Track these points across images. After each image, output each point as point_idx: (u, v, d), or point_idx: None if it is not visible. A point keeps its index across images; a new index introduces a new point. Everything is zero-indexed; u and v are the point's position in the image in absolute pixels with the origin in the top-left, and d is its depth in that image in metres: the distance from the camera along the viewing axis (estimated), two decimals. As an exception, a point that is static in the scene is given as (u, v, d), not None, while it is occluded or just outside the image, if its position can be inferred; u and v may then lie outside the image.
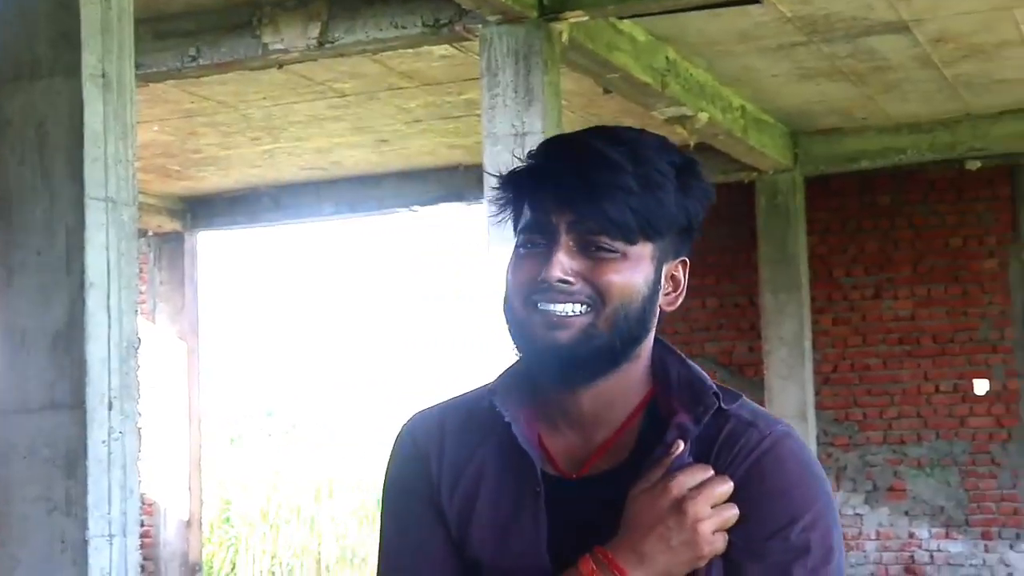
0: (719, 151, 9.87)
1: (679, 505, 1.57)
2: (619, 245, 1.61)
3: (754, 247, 10.75)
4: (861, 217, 10.94)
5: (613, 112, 9.37)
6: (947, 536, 10.57)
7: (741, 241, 11.03)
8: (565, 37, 6.64)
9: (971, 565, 10.49)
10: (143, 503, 11.08)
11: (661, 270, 1.67)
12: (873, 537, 10.74)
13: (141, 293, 11.90)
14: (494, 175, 1.71)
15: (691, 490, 1.59)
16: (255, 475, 16.40)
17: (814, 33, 7.81)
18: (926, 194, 10.79)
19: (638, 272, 1.63)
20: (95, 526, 4.32)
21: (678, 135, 8.85)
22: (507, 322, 1.66)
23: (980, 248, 10.64)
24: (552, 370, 1.63)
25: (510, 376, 1.73)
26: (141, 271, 11.87)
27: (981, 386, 10.55)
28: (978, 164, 10.49)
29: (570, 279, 1.59)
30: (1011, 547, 10.41)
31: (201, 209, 12.18)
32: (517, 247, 1.67)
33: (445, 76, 8.37)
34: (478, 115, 7.73)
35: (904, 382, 10.77)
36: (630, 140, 1.64)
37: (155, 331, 12.08)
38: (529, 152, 1.70)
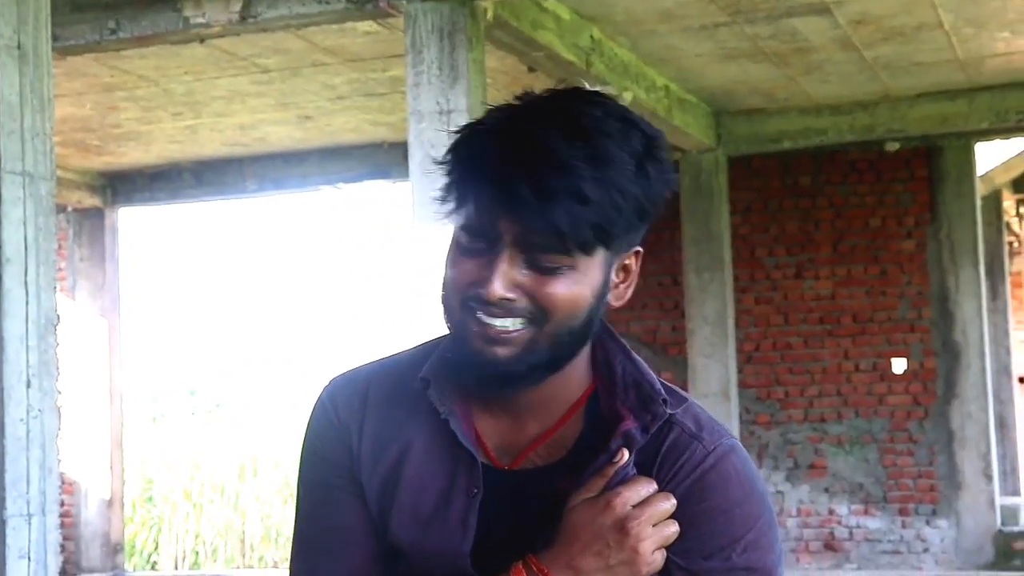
0: (643, 130, 9.90)
1: (622, 524, 1.50)
2: (566, 259, 1.48)
3: (677, 226, 10.82)
4: (783, 197, 11.04)
5: (538, 90, 9.36)
6: (866, 512, 10.73)
7: (664, 220, 11.02)
8: (490, 14, 6.63)
9: (889, 541, 10.66)
10: (63, 482, 10.95)
11: (611, 269, 1.54)
12: (794, 514, 10.88)
13: (60, 270, 11.74)
14: (443, 159, 1.55)
15: (634, 508, 1.51)
16: (178, 454, 16.26)
17: (737, 13, 7.86)
18: (846, 175, 10.91)
19: (586, 282, 1.51)
20: (13, 505, 4.26)
21: (603, 114, 8.87)
22: (443, 312, 1.56)
23: (899, 229, 10.78)
24: (488, 383, 1.53)
25: (441, 361, 1.60)
26: (60, 247, 11.71)
27: (899, 365, 10.70)
28: (897, 146, 10.62)
29: (511, 296, 1.48)
30: (927, 523, 10.59)
31: (122, 185, 12.03)
32: (458, 240, 1.54)
33: (369, 53, 8.33)
34: (403, 92, 7.71)
35: (824, 360, 10.89)
36: (590, 132, 1.48)
37: (75, 308, 11.93)
38: (475, 127, 1.54)
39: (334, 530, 1.61)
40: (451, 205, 1.52)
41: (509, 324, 1.49)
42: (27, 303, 4.34)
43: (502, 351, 1.49)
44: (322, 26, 7.28)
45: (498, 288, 1.47)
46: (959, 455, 10.54)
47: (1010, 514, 11.05)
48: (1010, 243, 13.52)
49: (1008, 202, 13.51)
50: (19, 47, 4.37)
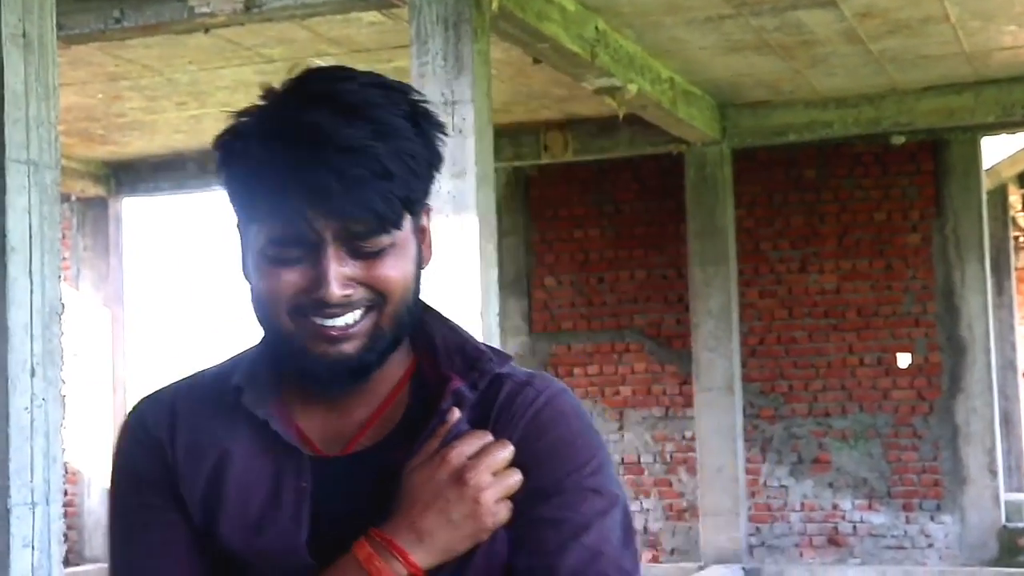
0: (648, 123, 9.91)
1: (459, 476, 1.46)
2: (388, 239, 1.46)
3: (682, 219, 10.82)
4: (787, 191, 11.04)
5: (543, 82, 9.38)
6: (870, 507, 10.73)
7: (669, 213, 11.10)
8: (495, 5, 6.63)
9: (893, 536, 10.66)
10: (67, 472, 10.97)
11: (417, 233, 1.53)
12: (798, 508, 10.88)
13: (64, 259, 11.71)
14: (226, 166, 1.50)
15: (470, 459, 1.48)
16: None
17: (742, 6, 7.85)
18: (851, 168, 10.90)
19: (408, 255, 1.51)
20: (17, 494, 4.28)
21: (607, 106, 8.88)
22: (263, 326, 1.51)
23: (904, 222, 10.78)
24: (339, 381, 1.50)
25: (251, 363, 1.57)
26: (64, 236, 11.69)
27: (904, 359, 10.70)
28: (903, 139, 10.62)
29: (349, 292, 1.45)
30: (931, 518, 10.59)
31: (126, 174, 12.04)
32: (263, 254, 1.47)
33: (374, 43, 8.33)
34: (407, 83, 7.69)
35: (829, 355, 10.89)
36: (361, 107, 1.44)
37: (79, 298, 11.95)
38: (237, 141, 1.48)
39: (157, 549, 1.54)
40: (248, 223, 1.49)
41: (350, 319, 1.47)
42: (31, 292, 4.35)
43: (349, 347, 1.47)
44: (326, 16, 7.29)
45: (336, 289, 1.44)
46: (964, 450, 10.54)
47: (1015, 510, 11.05)
48: (1016, 237, 13.50)
49: (1014, 196, 13.49)
50: (24, 36, 4.38)
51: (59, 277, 4.54)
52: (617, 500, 1.53)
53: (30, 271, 4.36)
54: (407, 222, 1.49)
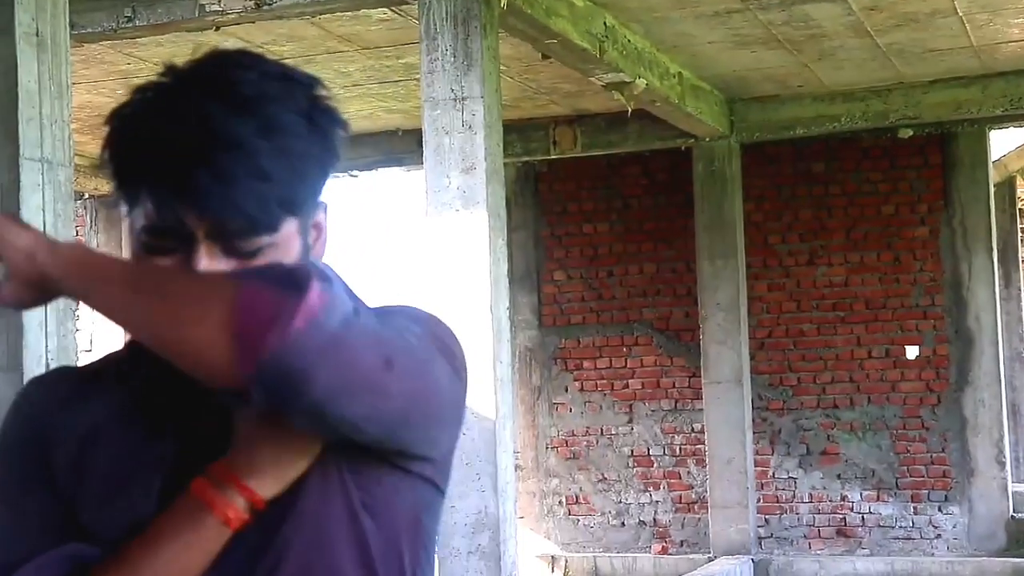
0: (656, 118, 9.90)
1: None
2: (264, 238, 1.41)
3: (691, 213, 10.81)
4: (796, 184, 11.02)
5: (552, 77, 9.38)
6: (878, 499, 10.72)
7: (678, 207, 11.09)
8: (504, 2, 6.63)
9: (901, 527, 10.65)
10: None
11: (307, 233, 1.49)
12: (806, 500, 10.88)
13: (77, 257, 11.77)
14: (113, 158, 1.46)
15: None
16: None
17: (750, 0, 7.84)
18: (859, 162, 10.89)
19: (289, 254, 1.45)
20: (32, 488, 4.29)
21: (616, 101, 8.88)
22: None
23: (912, 215, 10.76)
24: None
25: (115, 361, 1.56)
26: (78, 234, 11.74)
27: (912, 351, 10.69)
28: (910, 132, 10.60)
29: None
30: (939, 509, 10.59)
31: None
32: (139, 239, 1.45)
33: (384, 40, 8.33)
34: (417, 79, 7.71)
35: (837, 347, 10.88)
36: (254, 100, 1.39)
37: (91, 295, 11.96)
38: (126, 113, 1.44)
39: (20, 517, 1.48)
40: (123, 204, 1.45)
41: None
42: (46, 289, 4.36)
43: None
44: (336, 13, 7.29)
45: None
46: (971, 442, 10.53)
47: (1022, 500, 11.04)
48: (1023, 230, 13.49)
49: (1022, 189, 13.48)
50: (38, 35, 4.38)
51: (73, 274, 4.54)
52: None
53: (44, 268, 4.37)
54: (288, 223, 1.43)
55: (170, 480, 1.43)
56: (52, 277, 1.39)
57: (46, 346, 4.35)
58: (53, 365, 4.37)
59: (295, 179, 1.42)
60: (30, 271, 1.39)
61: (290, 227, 1.44)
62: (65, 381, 1.57)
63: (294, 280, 1.30)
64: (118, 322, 1.37)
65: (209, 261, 1.41)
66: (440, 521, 1.60)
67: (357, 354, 1.31)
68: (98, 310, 1.38)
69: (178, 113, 1.40)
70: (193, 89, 1.42)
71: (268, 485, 1.40)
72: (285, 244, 1.44)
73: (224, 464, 1.40)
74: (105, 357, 1.60)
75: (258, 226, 1.40)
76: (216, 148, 1.37)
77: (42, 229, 4.37)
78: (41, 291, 1.41)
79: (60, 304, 4.42)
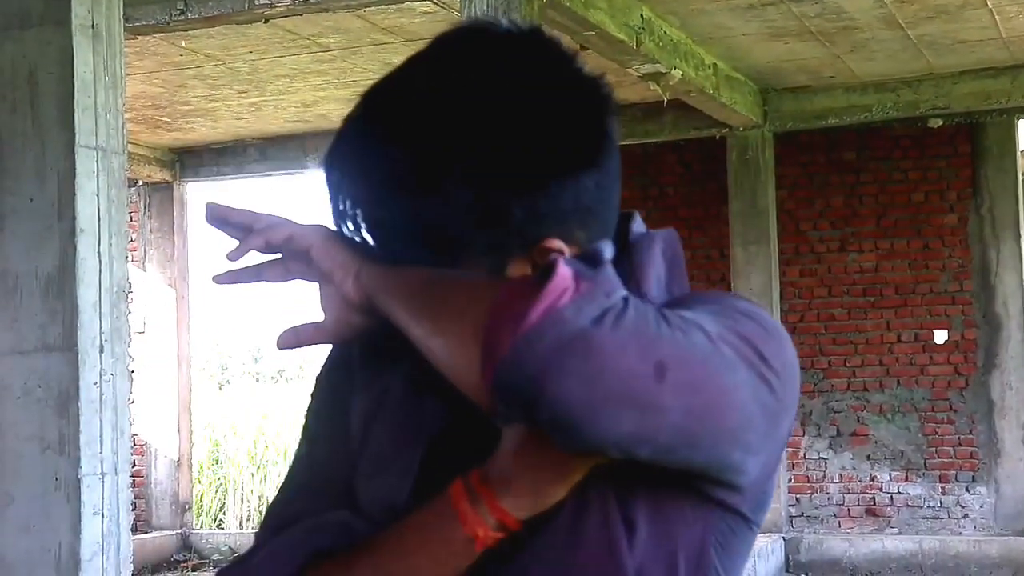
0: (692, 108, 9.85)
1: None
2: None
3: (724, 201, 10.75)
4: (828, 173, 10.95)
5: (589, 68, 9.33)
6: (907, 479, 10.65)
7: (712, 195, 11.03)
8: (544, -6, 6.60)
9: (929, 507, 10.58)
10: (134, 444, 11.09)
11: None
12: (836, 480, 10.82)
13: (132, 241, 11.84)
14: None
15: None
16: (243, 418, 16.41)
17: (785, -7, 7.78)
18: (890, 151, 10.80)
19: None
20: (87, 464, 4.31)
21: (652, 91, 8.83)
22: None
23: (941, 203, 10.66)
24: None
25: None
26: (132, 219, 11.80)
27: (941, 336, 10.60)
28: (940, 122, 10.50)
29: None
30: (967, 489, 10.50)
31: (190, 160, 12.11)
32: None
33: (427, 32, 8.31)
34: (459, 70, 7.68)
35: (867, 332, 10.81)
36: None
37: (146, 278, 12.04)
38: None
39: (318, 466, 1.35)
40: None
41: None
42: (100, 272, 4.38)
43: None
44: (381, 6, 7.28)
45: None
46: (998, 424, 10.44)
47: (1048, 482, 10.94)
48: (1051, 218, 13.34)
49: (1049, 178, 13.33)
50: (93, 27, 4.40)
51: (126, 258, 4.57)
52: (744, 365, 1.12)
53: (99, 252, 4.39)
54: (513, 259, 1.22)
55: (430, 468, 1.24)
56: (368, 290, 1.21)
57: (100, 327, 4.36)
58: (107, 346, 4.38)
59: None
60: (354, 290, 1.23)
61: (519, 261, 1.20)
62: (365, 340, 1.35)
63: (548, 267, 1.07)
64: (412, 340, 1.17)
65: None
66: (743, 558, 1.28)
67: (615, 358, 1.04)
68: (399, 327, 1.19)
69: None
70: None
71: (524, 506, 1.16)
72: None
73: (481, 475, 1.17)
74: None
75: None
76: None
77: (96, 214, 4.40)
78: (361, 312, 1.23)
79: (114, 285, 4.44)
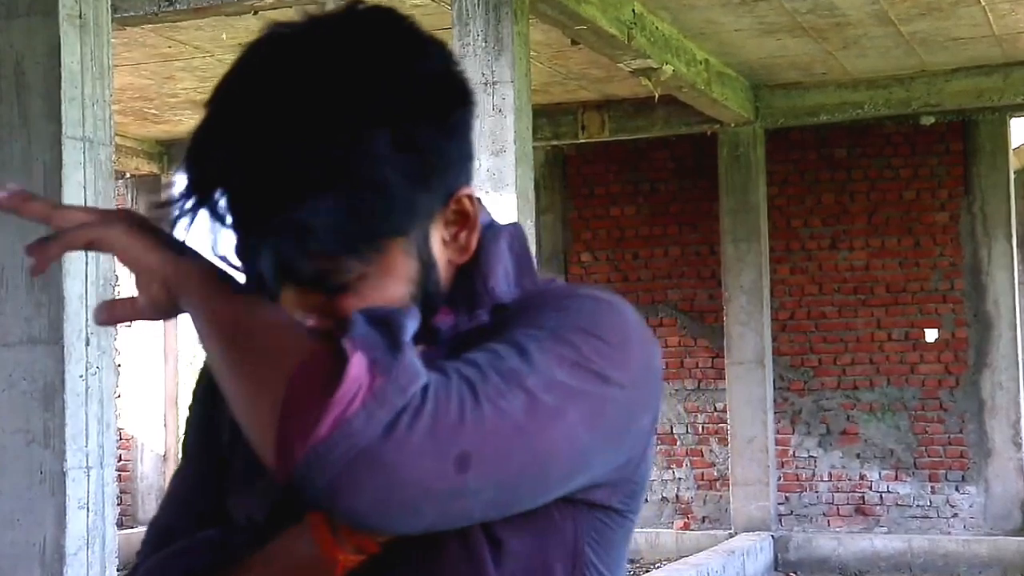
0: (683, 103, 9.86)
1: None
2: (345, 275, 1.14)
3: (715, 197, 10.76)
4: (819, 169, 10.96)
5: (581, 63, 9.34)
6: (896, 478, 10.67)
7: (703, 191, 11.04)
8: (535, -12, 6.60)
9: (918, 506, 10.60)
10: (120, 438, 11.07)
11: (428, 237, 1.18)
12: (826, 478, 10.84)
13: (118, 234, 11.82)
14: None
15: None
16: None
17: (777, -11, 7.79)
18: (882, 148, 10.82)
19: (392, 280, 1.16)
20: (72, 458, 4.31)
21: (644, 87, 8.83)
22: None
23: (932, 201, 10.68)
24: None
25: None
26: (119, 213, 11.79)
27: (931, 334, 10.63)
28: (932, 120, 10.52)
29: (310, 323, 1.15)
30: (956, 489, 10.53)
31: (178, 152, 12.08)
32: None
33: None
34: (449, 64, 7.68)
35: (858, 330, 10.83)
36: (323, 86, 1.11)
37: (132, 272, 12.00)
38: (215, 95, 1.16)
39: (184, 481, 1.39)
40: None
41: None
42: (87, 263, 4.37)
43: None
44: (372, -1, 7.27)
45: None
46: (989, 423, 10.47)
47: (1038, 481, 10.97)
48: (1042, 217, 13.37)
49: (1041, 176, 13.35)
50: (80, 17, 4.39)
51: (113, 250, 4.55)
52: (607, 383, 1.12)
53: (85, 244, 4.38)
54: (394, 243, 1.15)
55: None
56: (174, 295, 1.17)
57: (86, 319, 4.36)
58: (93, 339, 4.38)
59: (379, 205, 1.12)
60: (158, 292, 1.17)
61: (389, 251, 1.15)
62: None
63: (342, 353, 1.03)
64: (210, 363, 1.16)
65: (291, 298, 1.16)
66: (623, 548, 1.27)
67: (408, 468, 1.01)
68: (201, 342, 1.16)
69: (243, 109, 1.14)
70: (266, 71, 1.15)
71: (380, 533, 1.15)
72: (382, 272, 1.15)
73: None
74: None
75: (330, 270, 1.14)
76: (271, 161, 1.11)
77: (83, 206, 4.39)
78: (169, 306, 1.18)
79: (100, 277, 4.43)
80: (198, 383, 1.39)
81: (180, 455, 1.42)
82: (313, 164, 1.09)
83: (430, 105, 1.14)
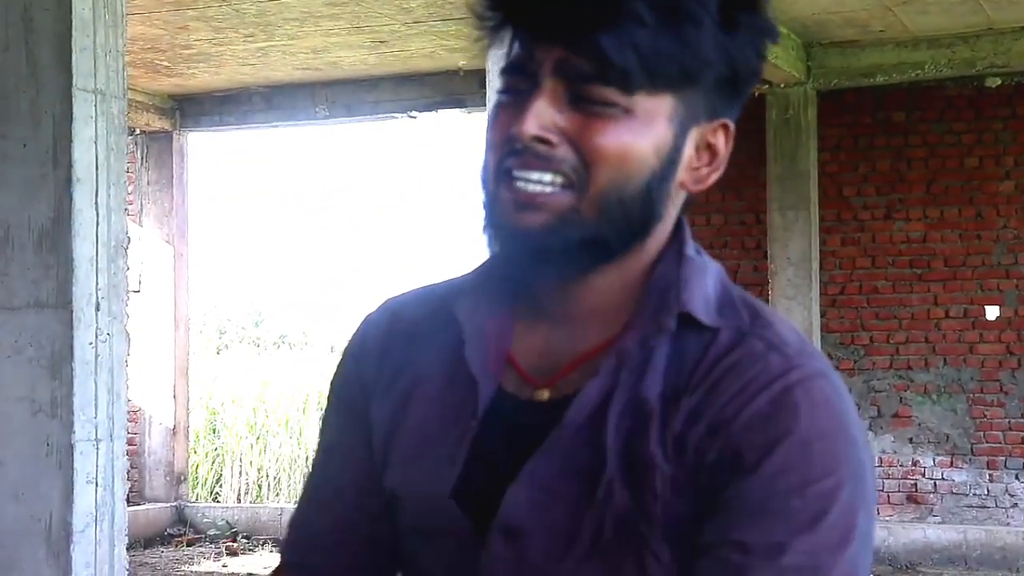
0: (730, 61, 9.79)
1: None
2: (619, 96, 1.23)
3: (762, 163, 10.70)
4: (874, 134, 10.89)
5: None
6: (952, 465, 10.64)
7: (749, 156, 10.97)
8: (575, -65, 6.55)
9: (975, 494, 10.56)
10: (128, 410, 11.12)
11: (686, 134, 1.29)
12: (876, 464, 10.81)
13: (128, 194, 11.84)
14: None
15: None
16: (242, 385, 16.45)
17: (834, -61, 7.72)
18: (942, 112, 10.73)
19: (646, 135, 1.25)
20: (81, 430, 4.32)
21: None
22: (480, 201, 1.30)
23: (996, 169, 10.60)
24: (518, 264, 1.28)
25: (484, 272, 1.38)
26: (128, 170, 11.81)
27: (992, 312, 10.56)
28: (998, 81, 10.42)
29: (550, 137, 1.23)
30: (1017, 477, 10.49)
31: (191, 108, 12.10)
32: (498, 97, 1.30)
33: (448, -26, 8.27)
34: (482, 16, 7.64)
35: (913, 306, 10.77)
36: None
37: (141, 233, 12.05)
38: None
39: (328, 479, 1.45)
40: (496, 44, 1.30)
41: (547, 178, 1.23)
42: (97, 224, 4.38)
43: (533, 219, 1.24)
44: (400, -55, 7.24)
45: (531, 127, 1.22)
46: (1052, 408, 10.42)
47: (1103, 471, 10.92)
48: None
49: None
50: (93, -40, 4.38)
51: (124, 210, 4.56)
52: (849, 539, 1.21)
53: (96, 203, 4.38)
54: (660, 99, 1.25)
55: (474, 455, 1.31)
56: None
57: (96, 283, 4.36)
58: (104, 303, 4.38)
59: (674, 40, 1.22)
60: None
61: (659, 104, 1.25)
62: (409, 308, 1.44)
63: None
64: None
65: (547, 103, 1.24)
66: None
67: None
68: None
69: None
70: None
71: None
72: (645, 122, 1.25)
73: None
74: (446, 284, 1.44)
75: (613, 67, 1.21)
76: None
77: (94, 162, 4.38)
78: None
79: (111, 240, 4.43)
80: (339, 384, 1.47)
81: (317, 450, 1.50)
82: None
83: (751, 21, 1.29)
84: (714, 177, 1.33)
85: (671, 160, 1.28)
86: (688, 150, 1.30)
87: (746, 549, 1.19)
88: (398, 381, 1.38)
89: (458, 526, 1.29)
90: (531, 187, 1.24)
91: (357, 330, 1.46)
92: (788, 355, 1.24)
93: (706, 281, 1.31)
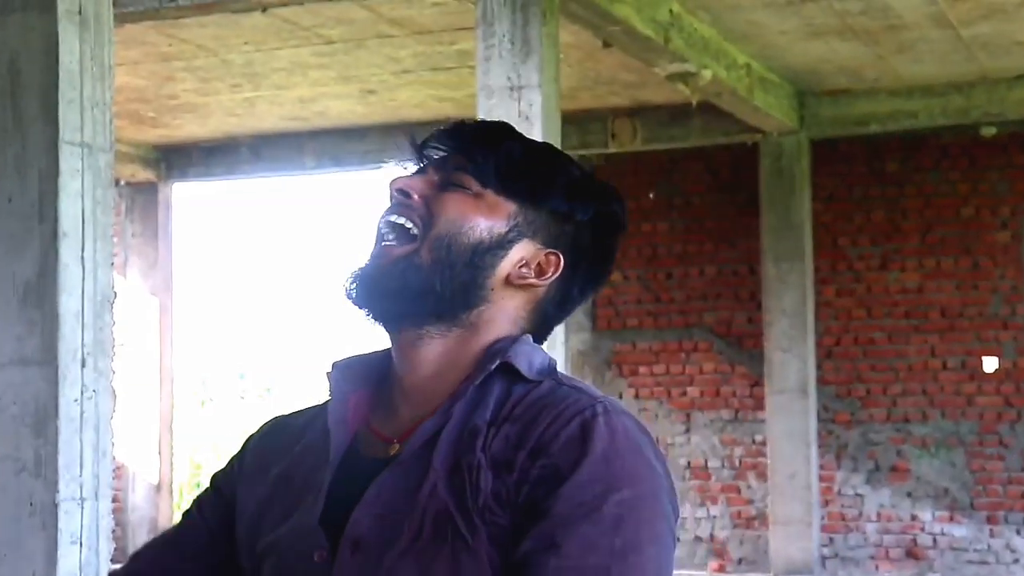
0: (722, 111, 9.84)
1: None
2: (474, 184, 1.58)
3: (756, 213, 10.75)
4: (869, 184, 10.94)
5: (612, 67, 9.34)
6: (951, 519, 10.62)
7: (742, 207, 11.03)
8: (566, -14, 6.61)
9: (975, 550, 10.54)
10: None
11: (520, 239, 1.59)
12: (874, 519, 10.79)
13: (113, 245, 11.84)
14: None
15: None
16: (227, 438, 16.39)
17: (827, -12, 7.78)
18: (937, 161, 10.79)
19: (485, 215, 1.57)
20: (66, 489, 4.30)
21: (679, 93, 8.83)
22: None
23: (993, 219, 10.65)
24: (352, 294, 1.58)
25: (363, 354, 1.68)
26: (115, 222, 11.82)
27: (990, 363, 10.58)
28: (993, 131, 10.48)
29: (412, 193, 1.58)
30: (1018, 532, 10.47)
31: (176, 159, 12.12)
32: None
33: (437, 24, 8.32)
34: (471, 67, 7.69)
35: (910, 357, 10.79)
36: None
37: (126, 286, 12.04)
38: None
39: (175, 532, 1.72)
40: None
41: (400, 220, 1.57)
42: (83, 279, 4.37)
43: (377, 261, 1.57)
44: (389, -4, 7.29)
45: (401, 181, 1.59)
46: (1052, 461, 10.42)
47: (1105, 525, 10.91)
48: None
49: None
50: (80, 13, 4.40)
51: (111, 264, 4.56)
52: (650, 540, 1.44)
53: (82, 257, 4.38)
54: (506, 202, 1.58)
55: (336, 495, 1.55)
56: None
57: (82, 339, 4.36)
58: (89, 360, 4.38)
59: (531, 168, 1.60)
60: None
61: (503, 205, 1.59)
62: (275, 426, 1.73)
63: None
64: None
65: (420, 179, 1.60)
66: None
67: None
68: None
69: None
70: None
71: None
72: (488, 207, 1.58)
73: None
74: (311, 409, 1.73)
75: (475, 164, 1.58)
76: (489, 124, 1.65)
77: (80, 217, 4.39)
78: None
79: (97, 295, 4.44)
80: (240, 455, 1.73)
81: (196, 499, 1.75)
82: (512, 135, 1.64)
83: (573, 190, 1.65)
84: (541, 291, 1.62)
85: (500, 245, 1.58)
86: (518, 252, 1.59)
87: (559, 550, 1.40)
88: (274, 467, 1.64)
89: (322, 549, 1.51)
90: (387, 237, 1.58)
91: (244, 443, 1.74)
92: (595, 396, 1.51)
93: (534, 355, 1.57)
